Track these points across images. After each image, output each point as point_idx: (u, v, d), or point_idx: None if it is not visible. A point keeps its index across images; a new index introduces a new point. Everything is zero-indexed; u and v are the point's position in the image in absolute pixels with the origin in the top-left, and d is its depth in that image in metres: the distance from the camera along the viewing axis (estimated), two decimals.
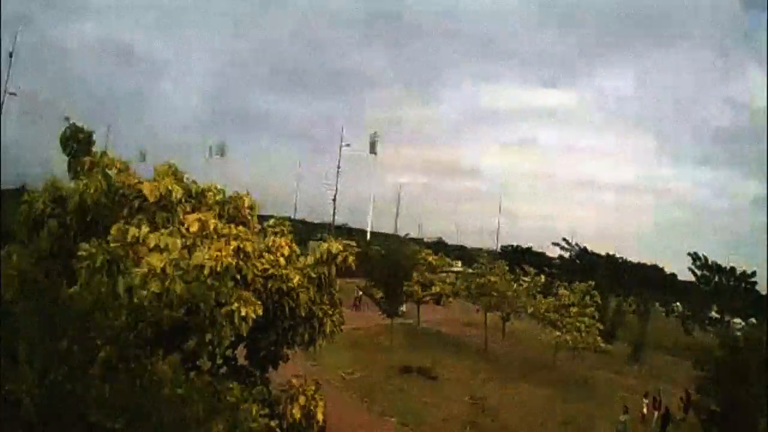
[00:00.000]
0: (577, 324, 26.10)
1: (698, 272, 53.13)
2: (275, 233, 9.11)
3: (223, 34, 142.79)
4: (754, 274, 52.27)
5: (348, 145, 60.07)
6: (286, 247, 8.55)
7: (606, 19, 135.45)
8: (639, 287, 56.49)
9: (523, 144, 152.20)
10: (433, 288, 30.36)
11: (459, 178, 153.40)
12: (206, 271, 6.35)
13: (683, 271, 58.07)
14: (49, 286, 6.34)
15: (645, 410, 21.31)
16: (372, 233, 63.41)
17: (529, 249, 68.19)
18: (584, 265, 52.63)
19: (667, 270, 63.58)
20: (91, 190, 7.61)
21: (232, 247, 7.20)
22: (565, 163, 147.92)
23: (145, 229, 7.18)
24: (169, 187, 7.77)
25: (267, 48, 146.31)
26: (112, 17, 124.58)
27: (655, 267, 62.62)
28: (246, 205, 9.04)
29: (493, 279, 28.06)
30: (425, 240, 79.34)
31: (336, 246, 8.72)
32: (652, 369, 30.65)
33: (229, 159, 74.68)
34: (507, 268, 32.01)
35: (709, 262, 53.01)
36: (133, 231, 6.99)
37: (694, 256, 52.52)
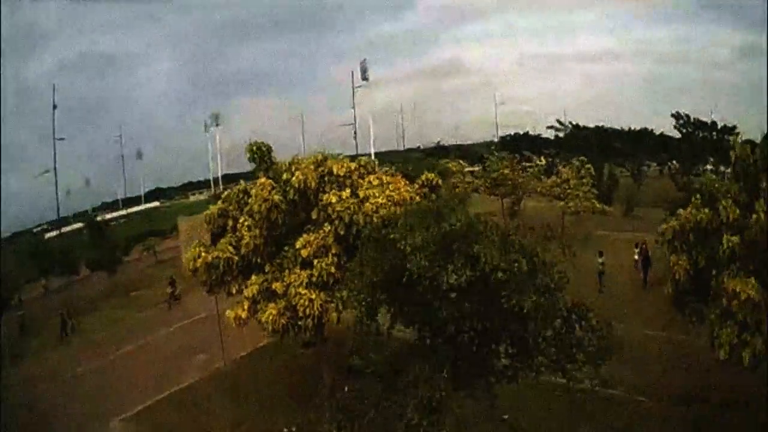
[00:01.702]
0: (576, 192, 34.92)
1: (683, 130, 61.31)
2: (390, 174, 17.17)
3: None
4: (734, 127, 60.31)
5: (359, 86, 66.48)
6: (403, 180, 16.62)
7: None
8: (632, 152, 64.77)
9: (504, 31, 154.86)
10: (456, 190, 38.72)
11: (447, 78, 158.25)
12: (395, 200, 14.49)
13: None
14: None
15: (636, 257, 27.28)
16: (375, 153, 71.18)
17: (526, 134, 76.02)
18: (578, 141, 60.79)
19: (662, 130, 71.03)
20: (310, 178, 15.42)
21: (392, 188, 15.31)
22: (547, 42, 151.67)
23: (347, 190, 15.20)
24: (348, 165, 15.70)
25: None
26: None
27: (645, 130, 70.23)
28: (375, 164, 17.10)
29: (506, 172, 36.49)
30: (421, 148, 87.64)
31: (431, 175, 16.94)
32: (644, 223, 36.97)
33: (226, 125, 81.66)
34: (510, 156, 40.54)
35: (692, 120, 60.80)
36: (343, 193, 15.04)
37: (677, 116, 60.49)
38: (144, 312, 31.22)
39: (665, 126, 67.04)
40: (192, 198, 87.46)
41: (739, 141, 14.20)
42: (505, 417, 14.80)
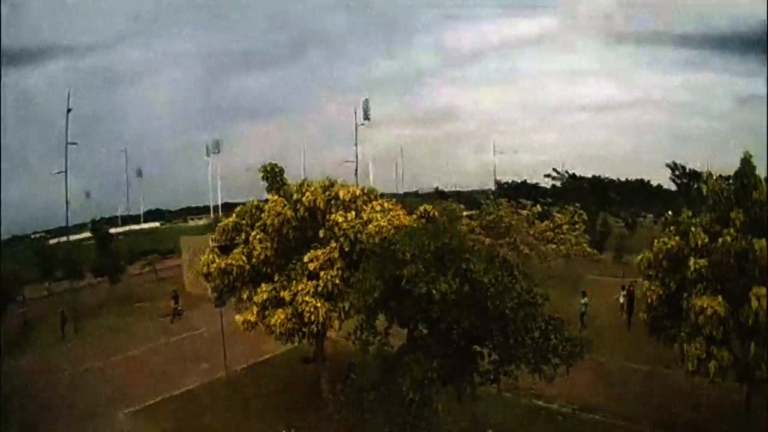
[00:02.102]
0: (568, 237, 36.79)
1: (677, 181, 63.75)
2: (391, 203, 19.02)
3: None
4: (729, 177, 62.96)
5: (363, 123, 69.63)
6: (401, 210, 18.46)
7: None
8: (627, 203, 66.98)
9: (506, 77, 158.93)
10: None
11: (447, 123, 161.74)
12: (395, 224, 16.26)
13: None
14: None
15: (621, 299, 28.37)
16: None
17: (524, 183, 78.65)
18: (574, 190, 63.13)
19: (660, 182, 72.98)
20: (319, 199, 17.30)
21: (393, 215, 17.14)
22: (550, 90, 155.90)
23: (352, 213, 17.01)
24: (354, 191, 17.57)
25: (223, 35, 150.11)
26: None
27: (642, 182, 72.79)
28: (378, 193, 18.93)
29: (501, 214, 38.41)
30: (419, 192, 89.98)
31: (428, 207, 18.77)
32: (633, 269, 40.57)
33: (226, 151, 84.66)
34: (506, 202, 42.52)
35: (687, 170, 63.25)
36: (349, 215, 16.85)
37: (673, 166, 63.04)
38: (146, 322, 32.57)
39: (665, 176, 69.30)
40: (191, 222, 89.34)
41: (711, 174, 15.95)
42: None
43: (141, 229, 78.28)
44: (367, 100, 71.01)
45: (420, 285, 11.59)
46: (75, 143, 54.74)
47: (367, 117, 70.51)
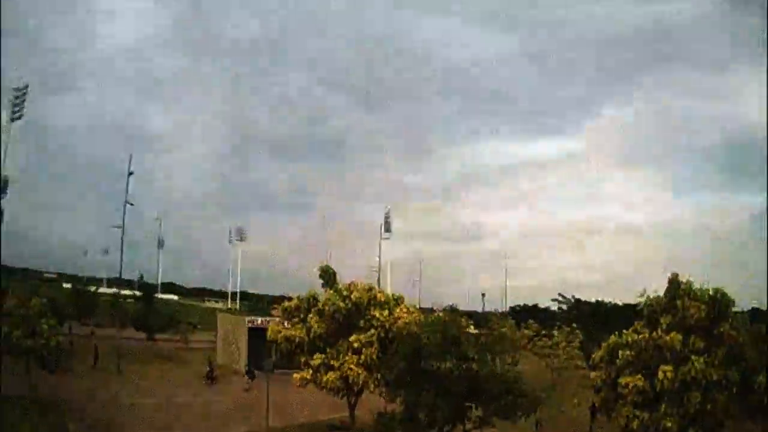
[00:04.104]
0: (563, 352, 44.37)
1: None
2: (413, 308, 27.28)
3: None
4: (733, 302, 69.56)
5: (387, 238, 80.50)
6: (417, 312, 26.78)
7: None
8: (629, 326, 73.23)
9: (525, 198, 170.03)
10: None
11: (465, 241, 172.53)
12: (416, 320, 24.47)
13: None
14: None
15: None
16: None
17: (535, 306, 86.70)
18: (578, 314, 69.96)
19: None
20: (363, 298, 25.54)
21: (415, 315, 25.39)
22: (568, 212, 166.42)
23: (386, 310, 25.20)
24: (388, 296, 25.94)
25: (257, 120, 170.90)
26: None
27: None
28: (404, 299, 27.27)
29: (504, 330, 46.12)
30: (434, 309, 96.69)
31: (441, 314, 26.92)
32: None
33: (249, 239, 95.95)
34: (514, 322, 50.31)
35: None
36: (384, 312, 25.05)
37: None
38: (186, 378, 39.84)
39: None
40: (207, 303, 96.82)
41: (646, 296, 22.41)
42: None
43: (159, 299, 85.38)
44: (388, 211, 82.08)
45: (432, 362, 19.54)
46: (132, 203, 64.28)
47: (388, 229, 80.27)
